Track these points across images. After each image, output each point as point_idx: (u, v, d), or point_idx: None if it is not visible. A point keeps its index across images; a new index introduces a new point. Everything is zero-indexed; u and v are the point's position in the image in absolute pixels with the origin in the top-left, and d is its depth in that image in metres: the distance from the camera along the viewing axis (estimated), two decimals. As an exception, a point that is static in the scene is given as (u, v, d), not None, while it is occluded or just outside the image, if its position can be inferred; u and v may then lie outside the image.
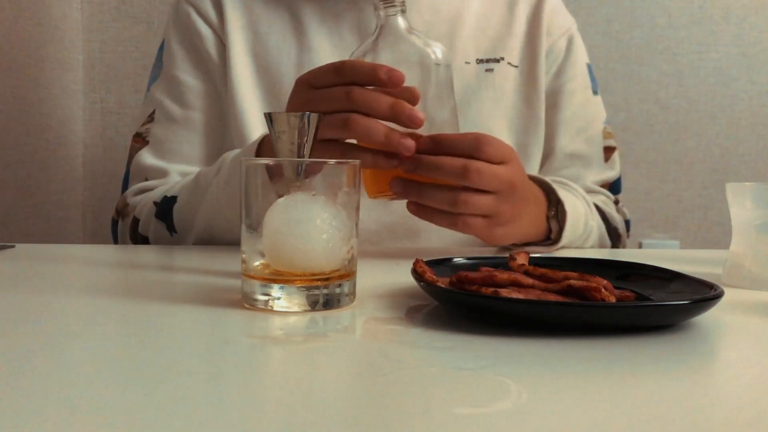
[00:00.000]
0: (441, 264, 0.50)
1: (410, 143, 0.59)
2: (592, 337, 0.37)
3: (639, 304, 0.41)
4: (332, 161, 0.44)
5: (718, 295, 0.39)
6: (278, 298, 0.42)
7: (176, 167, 0.87)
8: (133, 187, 0.88)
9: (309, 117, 0.45)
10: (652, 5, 1.53)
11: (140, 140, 0.90)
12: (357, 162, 0.44)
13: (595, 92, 0.96)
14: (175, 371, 0.31)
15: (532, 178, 0.75)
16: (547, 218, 0.75)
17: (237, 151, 0.75)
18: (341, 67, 0.59)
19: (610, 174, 0.94)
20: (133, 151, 0.90)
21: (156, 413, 0.26)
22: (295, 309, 0.42)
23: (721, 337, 0.40)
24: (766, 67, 1.54)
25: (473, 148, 0.60)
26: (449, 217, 0.63)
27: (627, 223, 0.94)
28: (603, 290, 0.40)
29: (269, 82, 0.88)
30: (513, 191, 0.64)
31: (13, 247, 0.71)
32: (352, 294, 0.44)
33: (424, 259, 0.47)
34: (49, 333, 0.38)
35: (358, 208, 0.44)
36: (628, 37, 1.53)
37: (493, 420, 0.26)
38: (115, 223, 0.90)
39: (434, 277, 0.44)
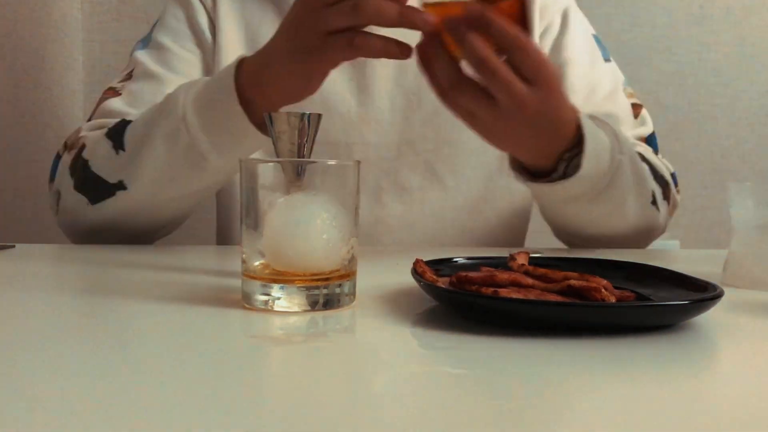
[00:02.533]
0: (441, 264, 0.50)
1: (430, 17, 0.57)
2: (592, 337, 0.37)
3: (639, 304, 0.41)
4: (332, 161, 0.44)
5: (718, 295, 0.39)
6: (278, 298, 0.42)
7: None
8: (91, 122, 0.81)
9: (309, 117, 0.45)
10: (652, 5, 1.53)
11: (112, 92, 0.84)
12: (358, 162, 0.44)
13: (607, 59, 0.93)
14: (175, 371, 0.31)
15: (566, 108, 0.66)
16: (559, 157, 0.68)
17: (206, 79, 0.71)
18: None
19: (643, 129, 0.88)
20: (102, 101, 0.84)
21: (156, 413, 0.26)
22: (295, 309, 0.42)
23: (721, 337, 0.40)
24: (766, 67, 1.54)
25: (512, 47, 0.57)
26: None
27: (673, 176, 0.85)
28: (603, 290, 0.40)
29: None
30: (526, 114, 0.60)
31: (13, 247, 0.71)
32: (352, 294, 0.44)
33: (424, 259, 0.47)
34: (49, 333, 0.38)
35: (358, 208, 0.44)
36: (628, 37, 1.53)
37: (493, 420, 0.26)
38: (57, 158, 0.80)
39: (434, 277, 0.44)
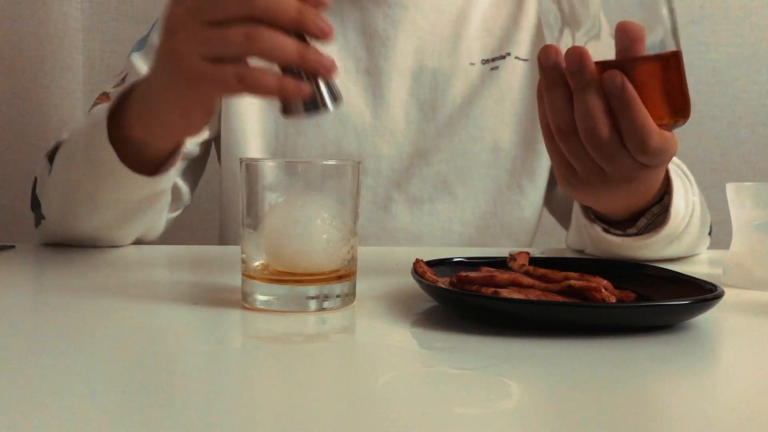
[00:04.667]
0: (441, 264, 0.50)
1: (330, 61, 0.49)
2: (592, 337, 0.37)
3: (639, 304, 0.41)
4: (332, 161, 0.44)
5: (718, 295, 0.39)
6: (278, 298, 0.42)
7: None
8: (70, 126, 0.78)
9: None
10: (652, 5, 1.53)
11: (105, 97, 0.82)
12: (358, 162, 0.44)
13: None
14: (174, 371, 0.31)
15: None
16: (641, 212, 0.65)
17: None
18: None
19: None
20: (92, 107, 0.82)
21: (155, 413, 0.26)
22: (295, 309, 0.42)
23: (721, 337, 0.40)
24: (766, 67, 1.54)
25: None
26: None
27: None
28: (603, 290, 0.40)
29: None
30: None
31: (13, 247, 0.71)
32: (352, 294, 0.44)
33: (425, 260, 0.47)
34: (49, 333, 0.38)
35: (358, 208, 0.44)
36: (628, 37, 1.53)
37: (493, 420, 0.26)
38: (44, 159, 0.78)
39: (434, 277, 0.44)
